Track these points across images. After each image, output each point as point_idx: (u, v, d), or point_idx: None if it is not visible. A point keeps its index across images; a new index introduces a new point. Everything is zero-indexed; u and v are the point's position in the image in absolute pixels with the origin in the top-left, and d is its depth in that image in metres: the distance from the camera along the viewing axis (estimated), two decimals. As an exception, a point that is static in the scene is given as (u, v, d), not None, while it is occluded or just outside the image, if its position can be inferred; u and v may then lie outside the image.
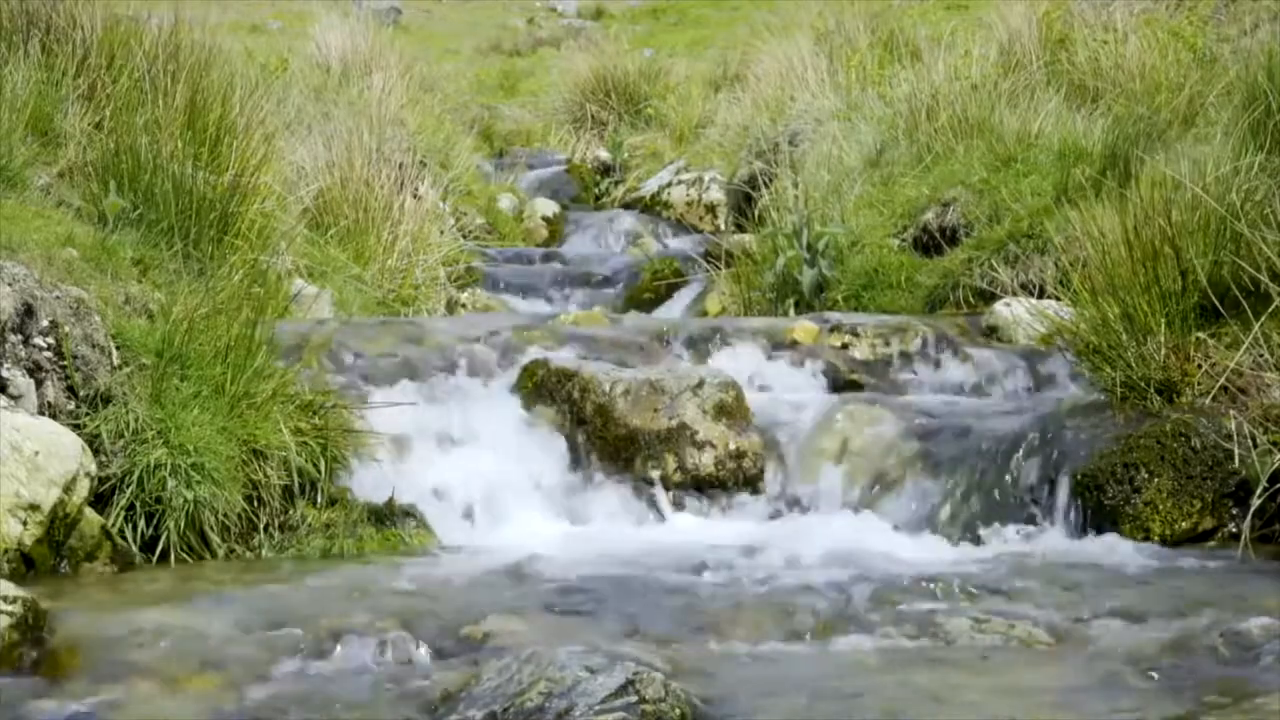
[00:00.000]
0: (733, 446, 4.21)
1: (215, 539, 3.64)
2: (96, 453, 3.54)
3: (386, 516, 3.88)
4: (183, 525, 3.58)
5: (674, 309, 7.83)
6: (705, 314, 7.20)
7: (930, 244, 6.35)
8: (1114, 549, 3.72)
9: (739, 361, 4.84)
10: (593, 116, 13.02)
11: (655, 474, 4.19)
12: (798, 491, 4.22)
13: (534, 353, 4.67)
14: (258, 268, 5.02)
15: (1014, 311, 5.11)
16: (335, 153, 7.13)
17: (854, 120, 7.93)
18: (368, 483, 3.97)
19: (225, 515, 3.66)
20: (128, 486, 3.57)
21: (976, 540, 3.91)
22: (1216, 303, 4.15)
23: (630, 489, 4.17)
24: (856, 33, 9.84)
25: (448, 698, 2.52)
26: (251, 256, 5.01)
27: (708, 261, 7.70)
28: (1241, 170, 4.41)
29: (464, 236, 8.60)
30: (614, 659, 2.52)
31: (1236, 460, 3.76)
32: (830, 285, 6.38)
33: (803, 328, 5.03)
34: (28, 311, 3.61)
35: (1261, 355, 3.98)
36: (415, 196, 7.45)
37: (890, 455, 4.21)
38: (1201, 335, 4.13)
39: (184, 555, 3.59)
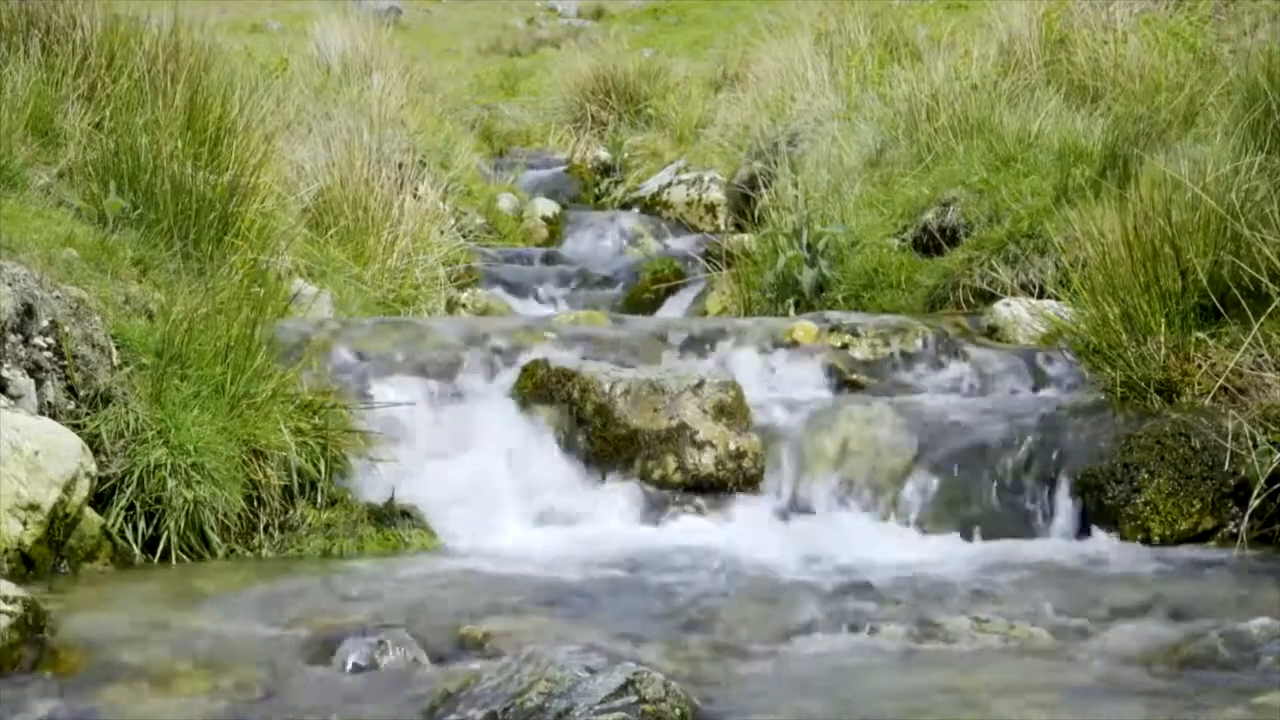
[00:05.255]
0: (733, 446, 4.21)
1: (215, 539, 3.64)
2: (96, 453, 3.54)
3: (386, 517, 3.88)
4: (183, 525, 3.58)
5: (674, 309, 7.83)
6: (705, 314, 7.20)
7: (930, 244, 6.35)
8: (1114, 549, 3.73)
9: (739, 361, 4.84)
10: (593, 116, 13.02)
11: (655, 474, 4.19)
12: (798, 492, 4.22)
13: (534, 353, 4.66)
14: (258, 268, 5.02)
15: (1014, 311, 5.11)
16: (335, 153, 7.13)
17: (854, 120, 7.93)
18: (367, 483, 3.97)
19: (225, 515, 3.66)
20: (128, 486, 3.57)
21: (976, 540, 3.91)
22: (1217, 303, 4.15)
23: (630, 489, 4.16)
24: (856, 33, 9.84)
25: (448, 698, 2.52)
26: (251, 256, 5.01)
27: (708, 261, 7.70)
28: (1241, 170, 4.41)
29: (464, 236, 8.59)
30: (614, 659, 2.52)
31: (1236, 460, 3.76)
32: (830, 285, 6.38)
33: (803, 328, 5.03)
34: (28, 311, 3.61)
35: (1261, 355, 3.98)
36: (415, 196, 7.45)
37: (890, 455, 4.21)
38: (1201, 335, 4.13)
39: (184, 555, 3.59)
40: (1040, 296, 5.39)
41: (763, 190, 7.97)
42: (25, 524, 3.28)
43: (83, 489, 3.39)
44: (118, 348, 3.81)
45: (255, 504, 3.77)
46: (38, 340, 3.61)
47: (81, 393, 3.66)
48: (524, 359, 4.60)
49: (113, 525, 3.53)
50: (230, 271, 4.57)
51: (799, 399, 4.58)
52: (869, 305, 6.15)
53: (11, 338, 3.58)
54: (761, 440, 4.27)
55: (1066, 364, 4.66)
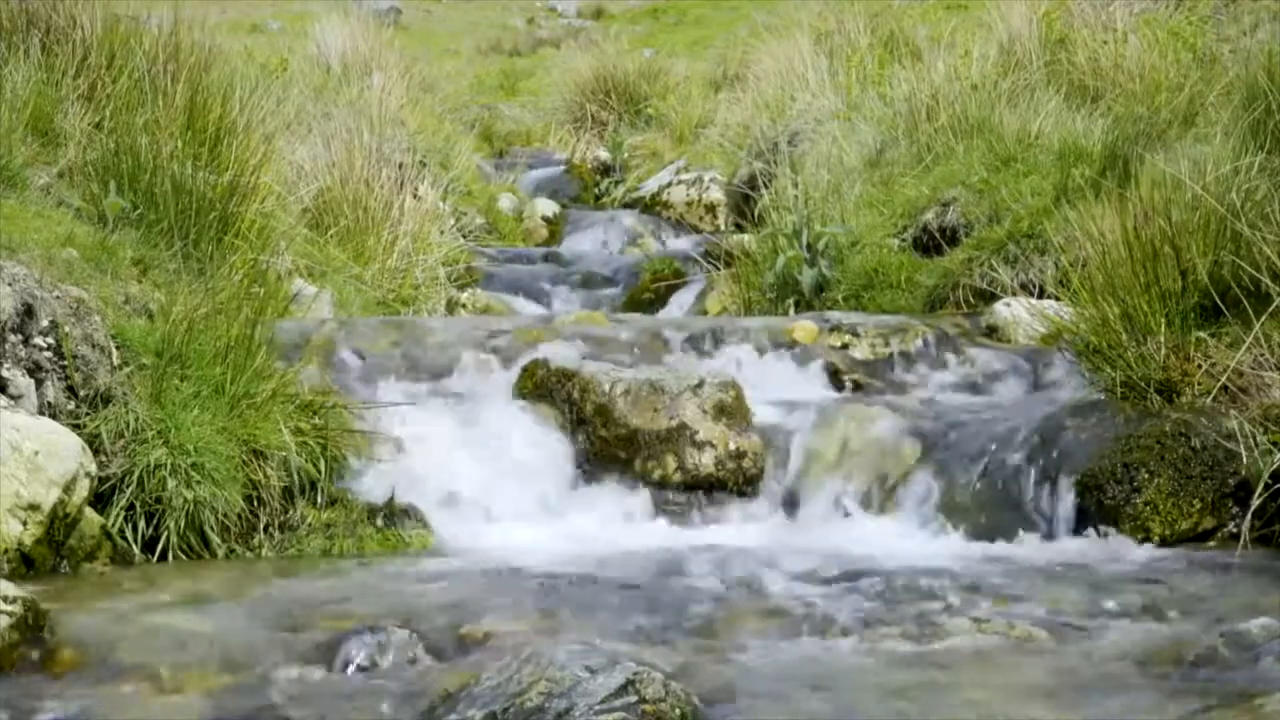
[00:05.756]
0: (733, 446, 4.21)
1: (215, 539, 3.64)
2: (96, 453, 3.54)
3: (386, 517, 3.88)
4: (183, 525, 3.58)
5: (674, 309, 7.83)
6: (705, 314, 7.19)
7: (930, 244, 6.35)
8: (1114, 549, 3.72)
9: (739, 361, 4.85)
10: (593, 116, 13.03)
11: (655, 474, 4.19)
12: (798, 491, 4.22)
13: (534, 353, 4.66)
14: (258, 268, 5.02)
15: (1014, 311, 5.11)
16: (335, 153, 7.13)
17: (854, 120, 7.93)
18: (368, 483, 3.97)
19: (225, 515, 3.66)
20: (128, 486, 3.57)
21: (976, 540, 3.91)
22: (1217, 302, 4.15)
23: (630, 489, 4.17)
24: (856, 33, 9.84)
25: (448, 698, 2.52)
26: (251, 256, 5.01)
27: (708, 261, 7.70)
28: (1241, 170, 4.41)
29: (464, 236, 8.59)
30: (614, 659, 2.52)
31: (1237, 460, 3.76)
32: (830, 285, 6.38)
33: (803, 328, 5.03)
34: (28, 311, 3.61)
35: (1261, 355, 3.98)
36: (415, 196, 7.45)
37: (890, 455, 4.21)
38: (1201, 335, 4.12)
39: (184, 555, 3.59)
40: (1040, 296, 5.39)
41: (763, 190, 7.97)
42: (25, 524, 3.28)
43: (83, 489, 3.39)
44: (118, 348, 3.81)
45: (255, 504, 3.77)
46: (38, 340, 3.61)
47: (81, 393, 3.66)
48: (524, 359, 4.61)
49: (113, 525, 3.53)
50: (230, 271, 4.57)
51: (799, 399, 4.58)
52: (869, 305, 6.15)
53: (11, 338, 3.58)
54: (762, 440, 4.27)
55: (1066, 364, 4.65)
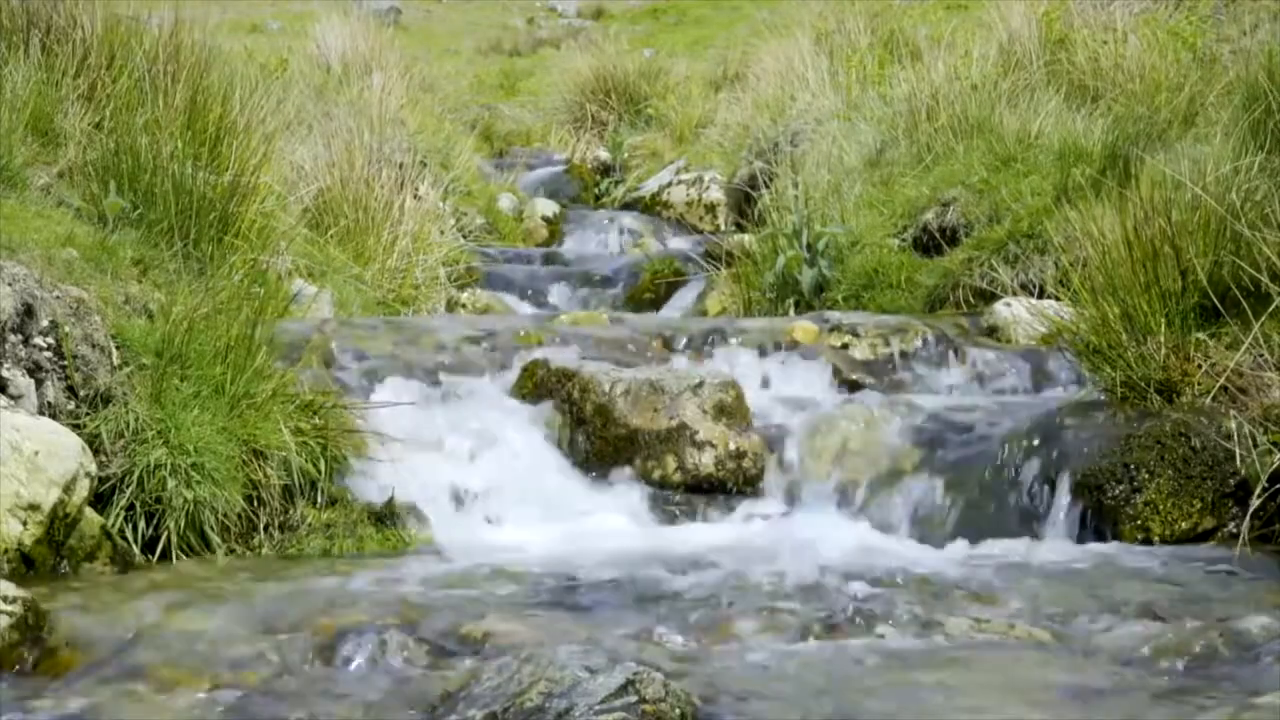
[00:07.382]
0: (733, 446, 4.21)
1: (215, 539, 3.64)
2: (96, 453, 3.54)
3: (386, 516, 3.88)
4: (183, 525, 3.58)
5: (674, 309, 7.83)
6: (705, 314, 7.20)
7: (930, 244, 6.35)
8: (1114, 549, 3.72)
9: (739, 361, 4.85)
10: (593, 116, 13.04)
11: (655, 474, 4.19)
12: (798, 491, 4.22)
13: (534, 352, 4.67)
14: (258, 268, 5.02)
15: (1014, 311, 5.11)
16: (335, 153, 7.13)
17: (854, 120, 7.94)
18: (368, 483, 3.97)
19: (225, 515, 3.66)
20: (128, 486, 3.57)
21: (976, 540, 3.91)
22: (1216, 303, 4.15)
23: (630, 489, 4.17)
24: (856, 33, 9.86)
25: (448, 698, 2.52)
26: (251, 256, 5.01)
27: (708, 261, 7.70)
28: (1241, 170, 4.41)
29: (464, 236, 8.60)
30: (614, 659, 2.52)
31: (1237, 460, 3.76)
32: (830, 285, 6.38)
33: (803, 328, 5.03)
34: (28, 311, 3.61)
35: (1261, 355, 3.98)
36: (415, 196, 7.45)
37: (890, 455, 4.22)
38: (1201, 335, 4.13)
39: (184, 555, 3.59)
40: (1040, 296, 5.39)
41: (763, 190, 7.98)
42: (25, 524, 3.28)
43: (83, 489, 3.39)
44: (118, 348, 3.81)
45: (255, 504, 3.77)
46: (38, 340, 3.61)
47: (81, 393, 3.66)
48: (524, 359, 4.61)
49: (113, 525, 3.53)
50: (230, 271, 4.57)
51: (799, 399, 4.58)
52: (869, 305, 6.15)
53: (11, 338, 3.58)
54: (762, 440, 4.27)
55: (1066, 364, 4.66)
